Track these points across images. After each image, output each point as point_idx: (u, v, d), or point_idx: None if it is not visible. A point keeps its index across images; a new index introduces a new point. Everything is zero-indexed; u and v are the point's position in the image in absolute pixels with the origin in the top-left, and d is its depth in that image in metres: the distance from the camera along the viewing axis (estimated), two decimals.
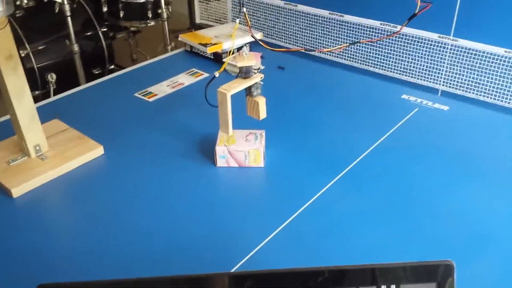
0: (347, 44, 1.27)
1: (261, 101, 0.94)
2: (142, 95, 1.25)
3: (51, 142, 1.00)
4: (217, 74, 1.00)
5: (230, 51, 1.40)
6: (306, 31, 1.48)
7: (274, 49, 0.98)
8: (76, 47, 2.28)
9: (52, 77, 2.27)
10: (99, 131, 1.07)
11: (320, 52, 1.38)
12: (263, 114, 0.95)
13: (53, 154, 0.98)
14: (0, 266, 0.75)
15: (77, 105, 1.21)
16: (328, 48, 1.31)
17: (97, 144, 1.01)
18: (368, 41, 1.24)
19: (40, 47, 2.42)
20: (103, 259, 0.76)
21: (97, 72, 2.61)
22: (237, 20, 0.93)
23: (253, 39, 1.01)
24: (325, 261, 0.75)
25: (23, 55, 2.29)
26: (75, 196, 0.91)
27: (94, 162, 0.99)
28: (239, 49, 1.45)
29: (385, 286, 0.47)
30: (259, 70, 1.25)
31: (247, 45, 1.46)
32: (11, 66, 0.89)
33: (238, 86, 0.93)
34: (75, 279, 0.73)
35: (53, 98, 1.25)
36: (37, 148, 0.97)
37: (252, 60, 0.93)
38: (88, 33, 2.55)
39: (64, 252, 0.78)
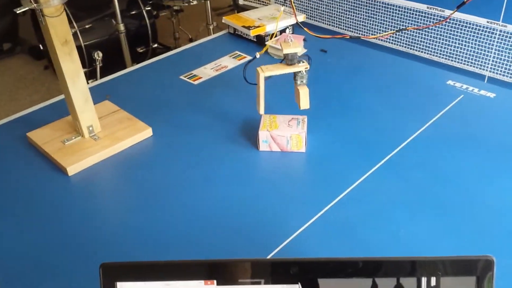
0: (393, 31, 1.26)
1: (303, 91, 0.95)
2: (187, 78, 1.28)
3: (103, 123, 1.06)
4: (258, 55, 1.01)
5: (272, 34, 1.41)
6: (350, 13, 1.47)
7: (318, 35, 0.98)
8: (122, 27, 2.34)
9: (98, 55, 2.33)
10: (147, 113, 1.12)
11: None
12: (304, 104, 0.96)
13: (105, 134, 1.03)
14: (58, 243, 0.81)
15: (125, 87, 1.26)
16: (373, 34, 1.30)
17: (146, 126, 1.06)
18: (415, 28, 1.22)
19: (87, 26, 2.49)
20: (152, 237, 0.81)
21: (141, 51, 2.67)
22: (282, 8, 0.94)
23: (296, 22, 1.02)
24: (363, 250, 0.77)
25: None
26: (126, 175, 0.95)
27: (143, 143, 1.04)
28: (282, 31, 1.46)
29: (425, 278, 0.49)
30: (306, 57, 1.25)
31: (289, 27, 1.47)
32: (67, 51, 0.94)
33: (276, 70, 0.94)
34: (127, 255, 0.78)
35: (102, 80, 1.30)
36: (90, 128, 1.02)
37: (298, 46, 0.94)
38: (133, 12, 2.61)
39: (116, 229, 0.83)
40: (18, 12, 0.88)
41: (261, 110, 0.96)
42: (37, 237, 0.82)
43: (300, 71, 0.93)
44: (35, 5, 0.86)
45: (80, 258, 0.78)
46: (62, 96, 1.18)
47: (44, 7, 0.87)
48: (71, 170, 0.96)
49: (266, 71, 0.93)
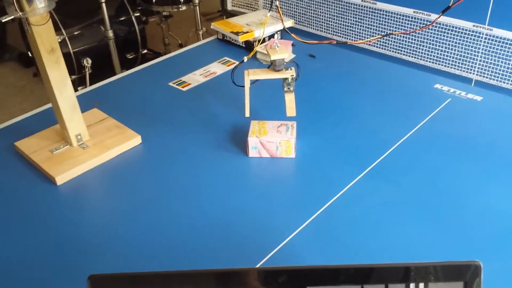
0: (380, 36, 1.27)
1: (289, 98, 0.94)
2: (176, 84, 1.28)
3: (91, 131, 1.05)
4: (245, 59, 1.02)
5: (260, 40, 1.41)
6: (338, 18, 1.48)
7: (306, 41, 0.99)
8: (110, 33, 2.33)
9: (87, 62, 2.32)
10: (136, 120, 1.11)
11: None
12: (289, 111, 0.96)
13: (94, 143, 1.03)
14: (46, 253, 0.80)
15: (114, 94, 1.25)
16: (360, 40, 1.31)
17: (135, 133, 1.05)
18: (401, 33, 1.23)
19: (75, 32, 2.48)
20: (141, 247, 0.81)
21: (130, 57, 2.66)
22: (268, 13, 0.95)
23: (283, 27, 1.03)
24: (353, 255, 0.77)
25: (59, 40, 2.36)
26: (115, 184, 0.95)
27: (132, 151, 1.03)
28: (270, 36, 1.46)
29: (413, 284, 0.49)
30: (293, 63, 1.26)
31: (278, 33, 1.47)
32: (53, 59, 0.93)
33: (262, 74, 0.94)
34: (116, 266, 0.77)
35: (90, 87, 1.30)
36: (79, 137, 1.02)
37: (285, 52, 0.95)
38: (122, 18, 2.60)
39: (106, 239, 0.83)
40: (3, 20, 0.87)
41: (247, 113, 0.96)
42: (25, 247, 0.81)
43: (286, 78, 0.94)
44: (20, 13, 0.86)
45: (69, 269, 0.77)
46: (50, 105, 1.17)
47: (29, 16, 0.86)
48: (60, 179, 0.95)
49: (251, 75, 0.93)
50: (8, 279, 0.76)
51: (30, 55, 2.75)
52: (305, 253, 0.78)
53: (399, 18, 1.34)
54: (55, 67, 0.94)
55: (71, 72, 2.40)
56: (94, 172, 0.98)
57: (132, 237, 0.82)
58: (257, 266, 0.76)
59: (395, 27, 1.35)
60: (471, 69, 1.28)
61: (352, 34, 1.46)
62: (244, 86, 0.95)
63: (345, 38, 1.49)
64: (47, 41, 0.91)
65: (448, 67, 1.32)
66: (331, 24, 1.51)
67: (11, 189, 0.94)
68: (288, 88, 0.95)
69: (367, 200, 0.88)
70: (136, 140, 1.05)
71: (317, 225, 0.83)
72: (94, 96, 1.24)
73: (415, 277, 0.49)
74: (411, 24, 1.32)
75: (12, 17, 0.87)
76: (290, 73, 0.94)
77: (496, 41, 1.20)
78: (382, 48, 1.42)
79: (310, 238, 0.81)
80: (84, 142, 1.02)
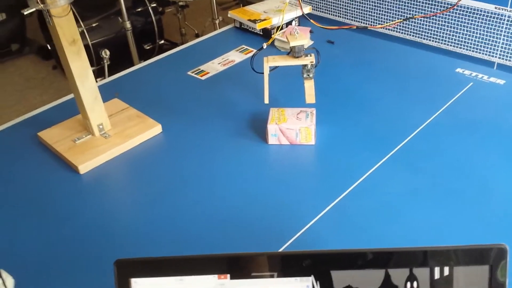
0: (401, 20, 1.25)
1: (308, 85, 0.94)
2: (194, 73, 1.29)
3: (112, 120, 1.06)
4: (265, 45, 1.01)
5: (278, 26, 1.40)
6: (356, 3, 1.46)
7: (325, 26, 0.98)
8: (128, 24, 2.34)
9: (106, 53, 2.34)
10: (156, 110, 1.12)
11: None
12: (309, 98, 0.95)
13: (115, 132, 1.04)
14: (71, 241, 0.82)
15: (133, 84, 1.26)
16: (380, 24, 1.29)
17: (155, 122, 1.06)
18: (422, 17, 1.21)
19: (93, 24, 2.50)
20: (163, 233, 0.82)
21: (148, 48, 2.68)
22: (287, 0, 0.94)
23: (302, 14, 1.02)
24: (374, 240, 0.77)
25: None
26: (137, 173, 0.96)
27: (153, 140, 1.04)
28: (288, 23, 1.45)
29: (438, 268, 0.49)
30: (313, 49, 1.25)
31: (295, 20, 1.46)
32: (75, 51, 0.95)
33: (282, 61, 0.94)
34: (139, 252, 0.79)
35: (110, 78, 1.31)
36: (100, 127, 1.03)
37: (304, 39, 0.94)
38: (138, 9, 2.61)
39: (128, 226, 0.84)
40: (25, 13, 0.88)
41: (266, 99, 0.96)
42: (50, 235, 0.83)
43: (306, 65, 0.93)
44: (42, 5, 0.87)
45: (94, 256, 0.78)
46: (71, 96, 1.19)
47: (51, 8, 0.87)
48: (83, 168, 0.96)
49: (271, 62, 0.93)
50: (33, 267, 0.77)
51: (49, 48, 2.78)
52: (327, 239, 0.78)
53: (420, 2, 1.31)
54: (77, 58, 0.95)
55: (90, 64, 2.43)
56: (116, 161, 0.99)
57: (154, 224, 0.84)
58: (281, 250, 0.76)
59: (416, 11, 1.33)
60: (493, 53, 1.25)
61: (371, 19, 1.45)
62: (263, 73, 0.94)
63: (364, 23, 1.47)
64: (68, 33, 0.92)
65: (469, 50, 1.29)
66: (350, 9, 1.49)
67: (35, 179, 0.96)
68: (308, 75, 0.94)
69: (388, 186, 0.88)
70: (157, 129, 1.06)
71: (338, 212, 0.83)
72: (113, 87, 1.25)
73: (440, 261, 0.49)
74: (431, 8, 1.30)
75: (34, 9, 0.88)
76: (309, 60, 0.93)
77: None
78: (402, 33, 1.40)
79: (331, 224, 0.81)
80: (106, 132, 1.04)
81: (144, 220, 0.85)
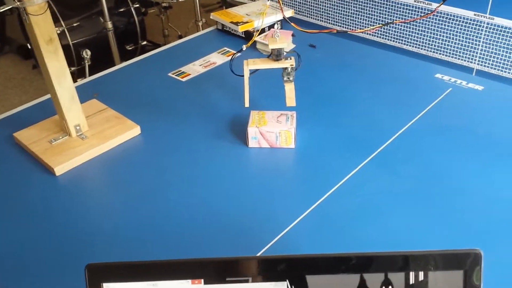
0: (381, 25, 1.26)
1: (289, 88, 0.94)
2: (175, 75, 1.28)
3: (90, 121, 1.05)
4: (244, 47, 1.01)
5: (259, 29, 1.40)
6: (338, 8, 1.47)
7: (306, 30, 0.98)
8: (110, 24, 2.32)
9: (87, 53, 2.31)
10: (136, 111, 1.11)
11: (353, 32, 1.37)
12: (289, 101, 0.95)
13: (93, 133, 1.02)
14: (45, 244, 0.80)
15: (114, 85, 1.24)
16: (361, 29, 1.30)
17: (134, 124, 1.05)
18: (402, 22, 1.22)
19: (74, 24, 2.47)
20: (140, 236, 0.80)
21: (130, 48, 2.65)
22: (268, 2, 0.94)
23: (283, 17, 1.02)
24: (354, 244, 0.77)
25: (58, 32, 2.34)
26: (114, 174, 0.95)
27: (131, 142, 1.03)
28: (270, 27, 1.45)
29: (413, 273, 0.49)
30: (294, 52, 1.25)
31: (278, 23, 1.46)
32: (52, 50, 0.93)
33: (261, 64, 0.93)
34: (115, 256, 0.77)
35: (90, 78, 1.29)
36: (77, 127, 1.01)
37: (284, 42, 0.94)
38: (121, 10, 2.59)
39: (105, 229, 0.82)
40: (0, 10, 0.86)
41: (246, 103, 0.95)
42: (24, 237, 0.81)
43: (286, 68, 0.93)
44: (18, 3, 0.85)
45: (67, 259, 0.77)
46: (49, 96, 1.16)
47: (27, 5, 0.85)
48: (59, 170, 0.95)
49: (251, 65, 0.92)
50: (6, 268, 0.76)
51: (29, 47, 2.74)
52: (305, 243, 0.78)
53: (400, 7, 1.33)
54: (54, 58, 0.93)
55: (70, 64, 2.39)
56: (93, 162, 0.98)
57: (131, 227, 0.82)
58: (257, 255, 0.76)
59: (396, 17, 1.34)
60: (472, 59, 1.27)
61: (353, 23, 1.45)
62: (243, 76, 0.94)
63: (345, 27, 1.48)
64: (45, 31, 0.91)
65: (449, 56, 1.31)
66: (331, 14, 1.50)
67: (10, 180, 0.94)
68: (288, 78, 0.94)
69: (367, 189, 0.88)
70: (135, 130, 1.04)
71: (317, 215, 0.83)
72: (93, 87, 1.23)
73: (415, 266, 0.49)
74: (411, 14, 1.31)
75: (10, 6, 0.86)
76: (289, 63, 0.93)
77: (497, 30, 1.19)
78: (382, 38, 1.41)
79: (310, 228, 0.81)
80: (83, 133, 1.02)
81: (120, 223, 0.83)
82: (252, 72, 0.93)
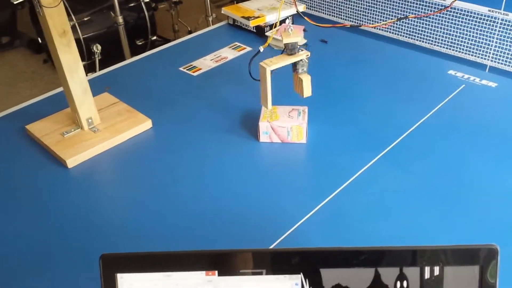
0: (394, 20, 1.25)
1: (306, 79, 0.94)
2: (186, 69, 1.28)
3: (102, 115, 1.05)
4: (261, 49, 1.00)
5: (274, 25, 1.40)
6: (350, 2, 1.46)
7: (319, 24, 0.97)
8: (120, 19, 2.32)
9: (97, 48, 2.32)
10: (147, 105, 1.11)
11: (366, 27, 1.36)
12: (307, 92, 0.96)
13: (105, 126, 1.02)
14: (57, 236, 0.81)
15: (125, 79, 1.25)
16: (374, 23, 1.29)
17: (145, 117, 1.05)
18: (416, 17, 1.21)
19: (85, 18, 2.48)
20: (150, 230, 0.81)
21: (140, 43, 2.65)
22: None
23: (296, 12, 1.01)
24: (364, 239, 0.77)
25: None
26: (125, 168, 0.95)
27: (143, 135, 1.03)
28: (281, 21, 1.44)
29: (428, 268, 0.48)
30: (306, 47, 1.24)
31: (289, 18, 1.46)
32: (65, 43, 0.93)
33: (280, 61, 0.93)
34: (126, 248, 0.77)
35: (101, 72, 1.30)
36: (90, 120, 1.02)
37: (298, 36, 0.94)
38: (131, 4, 2.59)
39: (116, 222, 0.83)
40: (15, 3, 0.87)
41: (269, 105, 0.95)
42: (38, 229, 0.82)
43: (301, 60, 0.93)
44: None
45: (81, 250, 0.77)
46: (61, 89, 1.17)
47: None
48: (71, 162, 0.95)
49: (271, 65, 0.92)
50: (21, 261, 0.76)
51: (40, 41, 2.75)
52: (316, 238, 0.78)
53: (413, 3, 1.31)
54: (67, 50, 0.94)
55: (81, 58, 2.40)
56: (104, 155, 0.98)
57: (142, 221, 0.82)
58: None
59: (409, 12, 1.33)
60: (485, 55, 1.26)
61: (365, 19, 1.44)
62: (259, 80, 0.94)
63: (357, 23, 1.47)
64: (58, 24, 0.91)
65: (462, 53, 1.30)
66: (344, 9, 1.49)
67: (22, 172, 0.95)
68: (303, 69, 0.94)
69: (379, 185, 0.87)
70: (147, 124, 1.05)
71: (329, 210, 0.83)
72: (104, 81, 1.23)
73: (430, 261, 0.49)
74: (425, 9, 1.30)
75: None
76: (305, 54, 0.93)
77: (511, 26, 1.18)
78: (395, 34, 1.40)
79: (321, 223, 0.80)
80: (95, 126, 1.02)
81: (132, 215, 0.83)
82: (273, 71, 0.93)
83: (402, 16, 1.26)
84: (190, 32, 2.77)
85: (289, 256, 0.48)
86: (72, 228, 0.82)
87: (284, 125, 0.98)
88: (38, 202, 0.87)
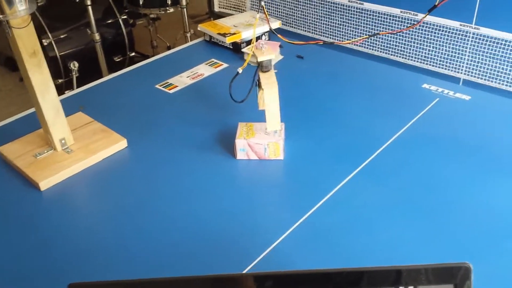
0: (367, 36, 1.26)
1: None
2: (162, 87, 1.27)
3: (76, 135, 1.03)
4: (240, 70, 1.00)
5: (251, 41, 1.40)
6: (325, 19, 1.47)
7: (293, 42, 0.98)
8: (97, 36, 2.31)
9: (74, 65, 2.30)
10: (122, 124, 1.09)
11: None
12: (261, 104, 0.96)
13: (78, 147, 1.01)
14: (30, 261, 0.78)
15: (100, 97, 1.23)
16: (347, 40, 1.30)
17: (121, 137, 1.04)
18: (388, 33, 1.22)
19: (62, 36, 2.45)
20: (127, 252, 0.79)
21: (118, 60, 2.63)
22: (257, 15, 0.94)
23: (269, 29, 1.02)
24: (343, 257, 0.76)
25: (45, 43, 2.33)
26: (101, 189, 0.93)
27: (118, 155, 1.02)
28: (258, 38, 1.45)
29: (403, 287, 0.48)
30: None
31: (265, 34, 1.46)
32: (35, 63, 0.92)
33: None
34: (101, 272, 0.76)
35: (77, 90, 1.28)
36: (63, 141, 1.00)
37: (271, 53, 0.94)
38: (109, 21, 2.58)
39: (91, 245, 0.81)
40: None
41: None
42: (7, 254, 0.79)
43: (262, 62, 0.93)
44: (1, 16, 0.84)
45: (53, 276, 0.75)
46: (32, 109, 1.15)
47: (10, 19, 0.84)
48: (44, 185, 0.93)
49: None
50: None
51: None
52: (295, 257, 0.77)
53: (386, 18, 1.33)
54: (37, 71, 0.92)
55: (57, 76, 2.37)
56: (79, 177, 0.96)
57: (118, 243, 0.81)
58: (245, 271, 0.75)
59: (383, 27, 1.35)
60: (458, 69, 1.27)
61: (340, 34, 1.46)
62: (241, 102, 0.94)
63: (333, 38, 1.48)
64: (28, 44, 0.89)
65: (435, 66, 1.31)
66: (319, 25, 1.50)
67: None
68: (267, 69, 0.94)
69: (356, 201, 0.87)
70: (122, 143, 1.03)
71: (307, 228, 0.82)
72: (80, 100, 1.22)
73: (406, 281, 0.48)
74: (398, 24, 1.32)
75: None
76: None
77: (483, 40, 1.20)
78: (369, 48, 1.41)
79: (299, 241, 0.80)
80: (69, 147, 1.01)
81: (107, 239, 0.82)
82: (235, 76, 0.92)
83: (375, 32, 1.28)
84: (169, 48, 2.76)
85: (261, 280, 0.47)
86: (44, 253, 0.79)
87: (261, 142, 0.97)
88: (11, 226, 0.85)
